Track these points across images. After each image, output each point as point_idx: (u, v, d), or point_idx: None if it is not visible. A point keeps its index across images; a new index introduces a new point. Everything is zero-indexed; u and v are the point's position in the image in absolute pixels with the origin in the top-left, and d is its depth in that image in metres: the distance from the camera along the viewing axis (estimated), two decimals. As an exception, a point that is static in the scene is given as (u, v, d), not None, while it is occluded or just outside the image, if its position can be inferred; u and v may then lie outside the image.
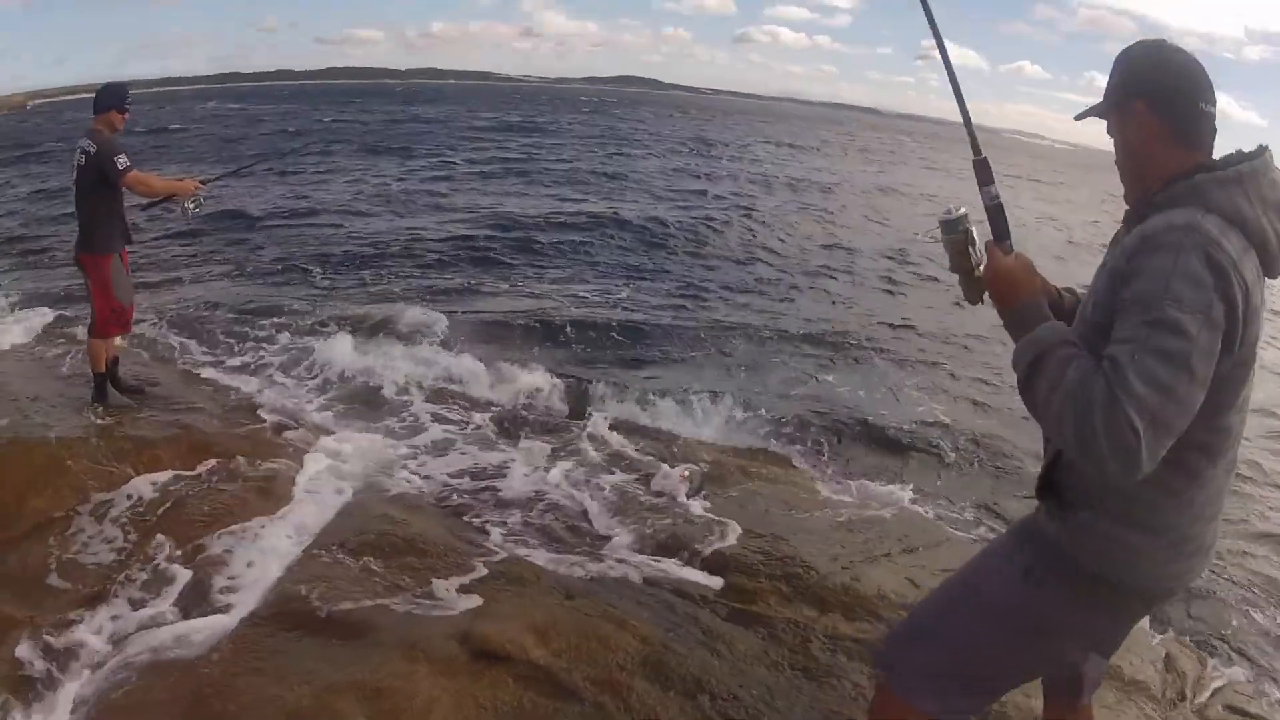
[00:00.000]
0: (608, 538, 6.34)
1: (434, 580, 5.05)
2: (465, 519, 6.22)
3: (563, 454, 7.91)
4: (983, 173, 2.73)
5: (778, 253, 21.83)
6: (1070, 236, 30.45)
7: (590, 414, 9.44)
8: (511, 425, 8.69)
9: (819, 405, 11.20)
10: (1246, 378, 2.30)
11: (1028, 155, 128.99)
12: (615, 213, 24.28)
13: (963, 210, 2.69)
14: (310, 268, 16.54)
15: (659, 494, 7.10)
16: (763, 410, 10.49)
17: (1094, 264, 2.55)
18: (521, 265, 18.07)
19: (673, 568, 5.88)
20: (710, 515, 6.64)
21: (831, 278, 19.81)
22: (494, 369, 10.47)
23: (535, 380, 10.34)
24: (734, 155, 49.65)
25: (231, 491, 6.06)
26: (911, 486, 8.68)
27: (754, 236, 23.43)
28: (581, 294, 15.97)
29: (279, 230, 20.20)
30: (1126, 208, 2.52)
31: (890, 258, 22.28)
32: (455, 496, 6.75)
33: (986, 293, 2.63)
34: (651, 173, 36.05)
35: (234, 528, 5.58)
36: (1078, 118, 2.70)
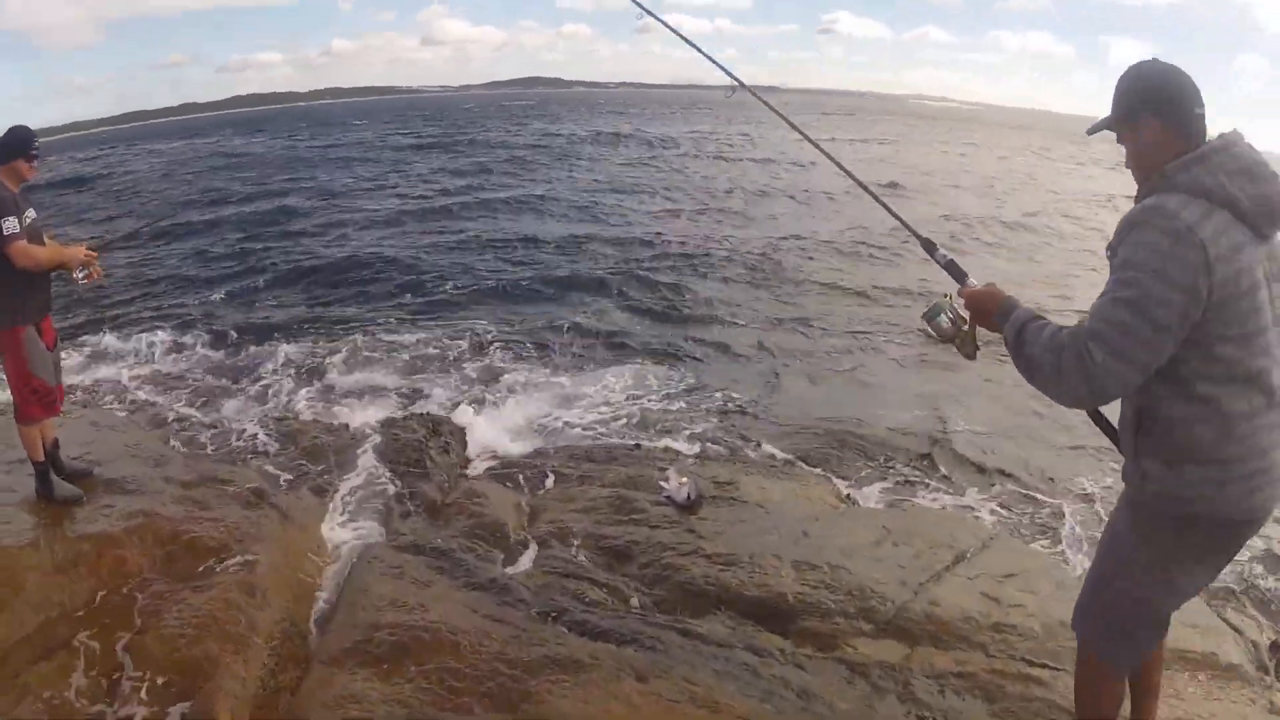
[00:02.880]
0: (650, 591, 5.71)
1: (478, 680, 4.33)
2: (483, 591, 5.44)
3: (566, 495, 7.36)
4: (928, 247, 3.85)
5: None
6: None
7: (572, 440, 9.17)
8: (505, 474, 8.07)
9: (799, 407, 10.96)
10: (1230, 317, 2.78)
11: (931, 118, 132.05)
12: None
13: (935, 300, 3.49)
14: (272, 306, 16.12)
15: (677, 523, 6.56)
16: (756, 415, 10.30)
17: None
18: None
19: (734, 621, 5.26)
20: (753, 548, 6.02)
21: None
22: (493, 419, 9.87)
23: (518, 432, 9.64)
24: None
25: (212, 593, 5.19)
26: (911, 477, 8.72)
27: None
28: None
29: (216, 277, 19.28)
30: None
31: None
32: (463, 564, 5.91)
33: (970, 345, 3.45)
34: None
35: (224, 640, 4.78)
36: (1090, 131, 3.33)
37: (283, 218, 26.25)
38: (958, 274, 3.63)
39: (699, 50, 4.64)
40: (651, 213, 26.90)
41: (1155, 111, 2.99)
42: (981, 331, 3.40)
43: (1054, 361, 2.81)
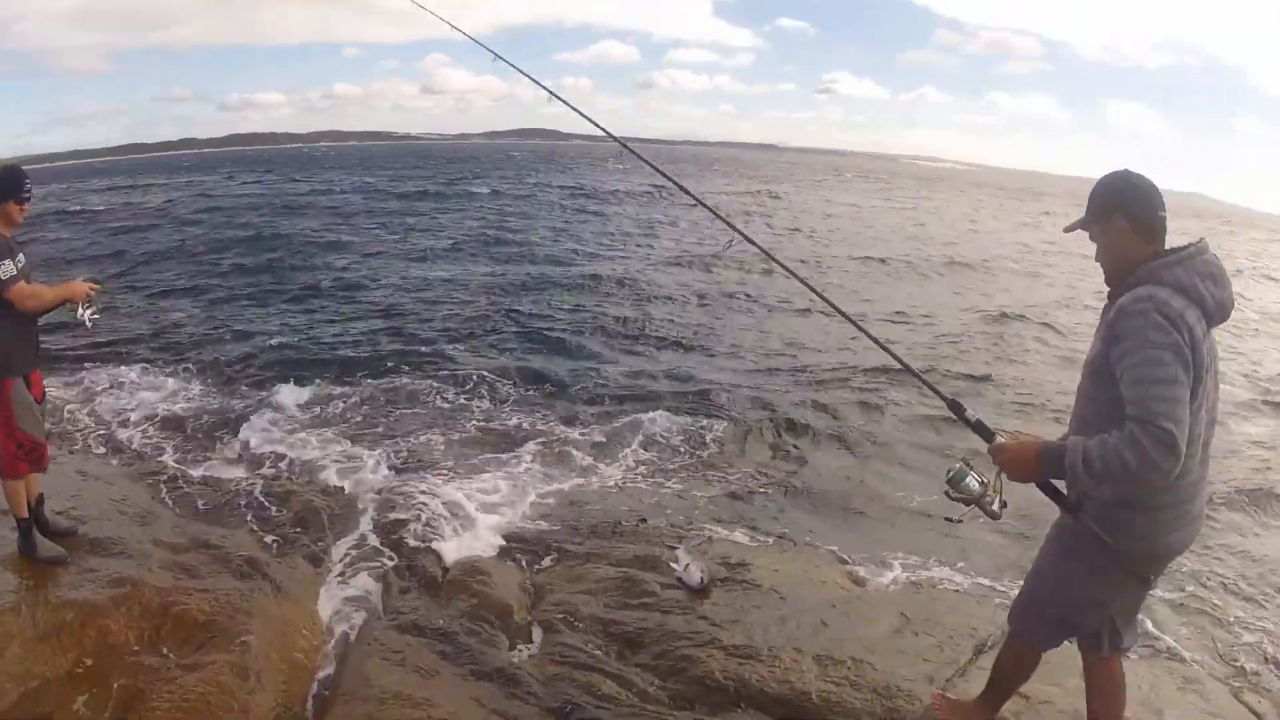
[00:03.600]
0: (665, 684, 5.36)
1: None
2: (491, 681, 5.16)
3: (572, 574, 7.00)
4: (956, 409, 3.91)
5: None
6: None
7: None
8: (508, 547, 7.72)
9: (809, 477, 10.67)
10: (1200, 391, 3.34)
11: (927, 179, 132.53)
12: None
13: (957, 464, 3.72)
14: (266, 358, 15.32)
15: (689, 609, 6.24)
16: (764, 487, 10.04)
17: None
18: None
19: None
20: (771, 640, 5.72)
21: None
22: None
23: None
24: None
25: (203, 673, 4.87)
26: (924, 554, 8.35)
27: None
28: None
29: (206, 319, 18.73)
30: (1109, 289, 3.69)
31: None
32: (468, 650, 5.63)
33: (997, 502, 3.71)
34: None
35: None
36: (1067, 229, 3.88)
37: (291, 263, 25.73)
38: (986, 433, 3.80)
39: (570, 105, 5.18)
40: (678, 272, 26.41)
41: (1125, 214, 3.57)
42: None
43: (1140, 455, 3.12)
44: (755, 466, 10.68)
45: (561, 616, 6.17)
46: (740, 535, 8.22)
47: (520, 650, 5.81)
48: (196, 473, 9.17)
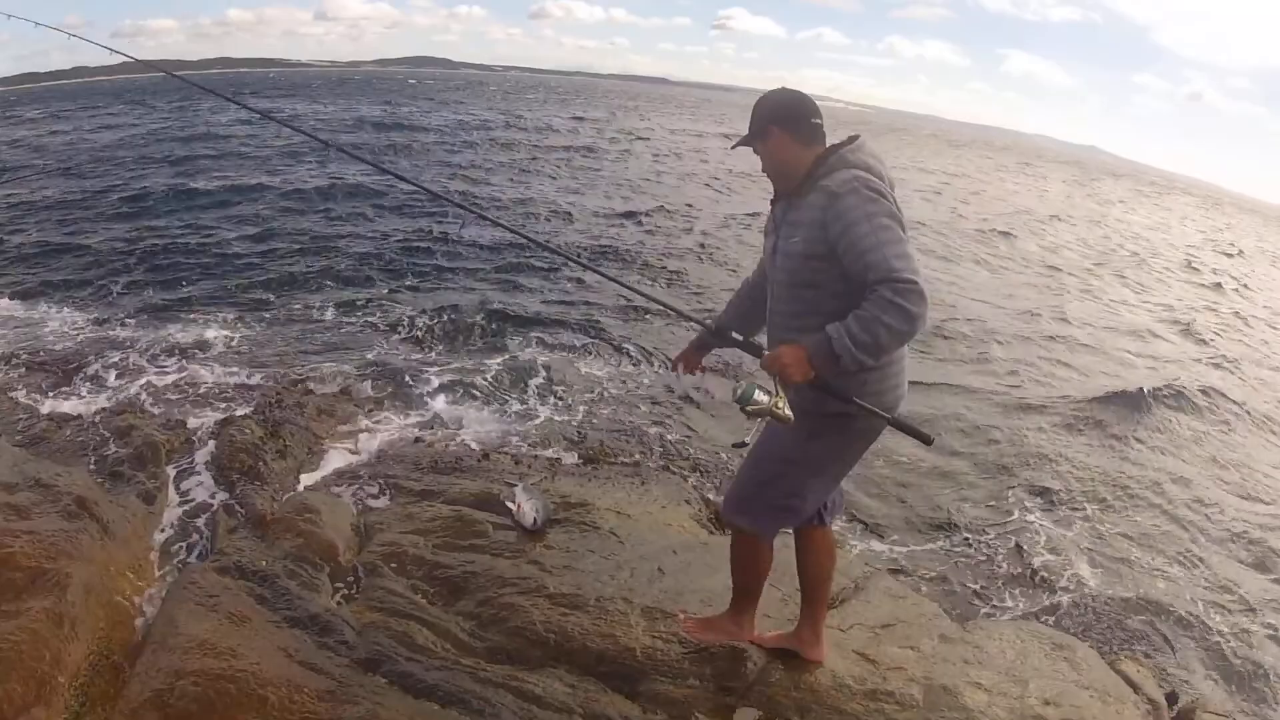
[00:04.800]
0: (485, 635, 5.20)
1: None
2: (303, 629, 4.96)
3: (405, 513, 6.79)
4: (720, 334, 4.33)
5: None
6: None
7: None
8: (343, 483, 7.56)
9: (663, 408, 10.80)
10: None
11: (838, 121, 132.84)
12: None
13: (741, 385, 3.79)
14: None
15: (520, 552, 6.08)
16: (621, 421, 10.13)
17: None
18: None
19: (575, 677, 4.83)
20: (601, 589, 5.58)
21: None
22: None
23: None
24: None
25: (19, 621, 4.56)
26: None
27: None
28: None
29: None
30: (775, 193, 4.09)
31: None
32: (285, 594, 5.36)
33: (786, 407, 3.74)
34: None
35: (27, 679, 4.27)
36: (733, 147, 4.26)
37: (183, 192, 24.66)
38: (755, 350, 4.08)
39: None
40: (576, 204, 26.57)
41: (781, 124, 3.95)
42: None
43: (899, 313, 3.40)
44: (615, 402, 10.77)
45: (388, 558, 5.96)
46: (586, 470, 8.13)
47: (340, 595, 5.63)
48: (46, 407, 8.91)
